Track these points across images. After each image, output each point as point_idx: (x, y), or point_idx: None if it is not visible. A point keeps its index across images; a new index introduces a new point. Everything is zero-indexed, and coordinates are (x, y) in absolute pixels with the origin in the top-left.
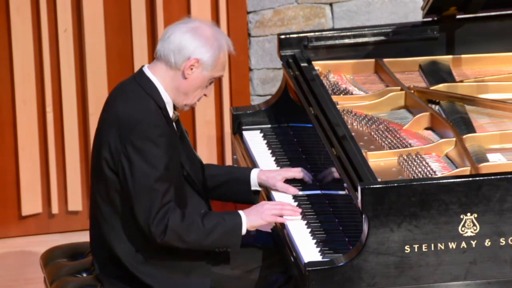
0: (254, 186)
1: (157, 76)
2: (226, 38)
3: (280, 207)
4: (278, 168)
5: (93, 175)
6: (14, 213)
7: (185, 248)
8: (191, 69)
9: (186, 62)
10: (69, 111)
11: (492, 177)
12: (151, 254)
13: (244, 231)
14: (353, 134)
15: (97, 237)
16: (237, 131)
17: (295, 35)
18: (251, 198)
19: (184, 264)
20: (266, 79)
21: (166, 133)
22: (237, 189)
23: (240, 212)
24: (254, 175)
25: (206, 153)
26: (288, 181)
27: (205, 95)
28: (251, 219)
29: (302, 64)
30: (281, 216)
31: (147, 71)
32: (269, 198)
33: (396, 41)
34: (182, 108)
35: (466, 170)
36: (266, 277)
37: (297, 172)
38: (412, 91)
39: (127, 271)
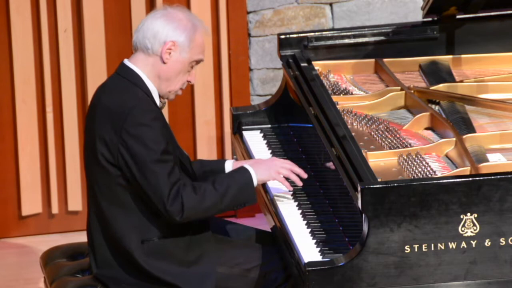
0: None
1: (138, 66)
2: (199, 20)
3: (289, 166)
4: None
5: (89, 173)
6: (14, 213)
7: (206, 217)
8: (169, 53)
9: (163, 47)
10: (69, 111)
11: (492, 177)
12: (158, 246)
13: (255, 184)
14: (353, 134)
15: (99, 235)
16: (237, 131)
17: (295, 35)
18: None
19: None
20: (266, 79)
21: (159, 116)
22: None
23: (247, 166)
24: (228, 167)
25: (206, 153)
26: None
27: (189, 82)
28: (260, 173)
29: (302, 64)
30: (288, 178)
31: (128, 63)
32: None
33: (396, 41)
34: (167, 97)
35: (466, 170)
36: (265, 275)
37: None
38: (412, 91)
39: (128, 270)
